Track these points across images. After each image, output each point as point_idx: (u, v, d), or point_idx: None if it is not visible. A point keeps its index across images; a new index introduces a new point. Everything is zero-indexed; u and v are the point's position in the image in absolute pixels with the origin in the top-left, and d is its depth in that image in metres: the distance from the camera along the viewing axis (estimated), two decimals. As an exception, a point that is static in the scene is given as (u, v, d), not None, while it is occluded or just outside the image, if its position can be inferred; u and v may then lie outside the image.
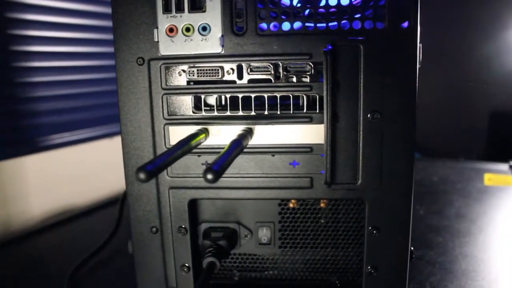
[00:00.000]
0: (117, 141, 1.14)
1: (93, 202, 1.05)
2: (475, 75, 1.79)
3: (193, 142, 0.41)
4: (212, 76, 0.44)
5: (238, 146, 0.39)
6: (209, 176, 0.29)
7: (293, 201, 0.49)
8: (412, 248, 0.49)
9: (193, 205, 0.49)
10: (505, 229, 0.79)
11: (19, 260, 0.74)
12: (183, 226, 0.48)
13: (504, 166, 1.15)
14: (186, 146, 0.39)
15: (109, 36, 1.10)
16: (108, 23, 1.09)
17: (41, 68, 0.95)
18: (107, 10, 1.09)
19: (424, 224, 0.79)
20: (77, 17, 1.03)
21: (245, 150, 0.45)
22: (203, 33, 0.44)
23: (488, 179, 1.04)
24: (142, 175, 0.30)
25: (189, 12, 0.43)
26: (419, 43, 0.43)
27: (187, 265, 0.49)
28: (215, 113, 0.45)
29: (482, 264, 0.64)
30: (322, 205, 0.49)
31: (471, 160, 1.24)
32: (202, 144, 0.45)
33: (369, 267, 0.47)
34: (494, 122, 1.77)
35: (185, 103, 0.46)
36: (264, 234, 0.50)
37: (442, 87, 1.82)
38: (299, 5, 0.43)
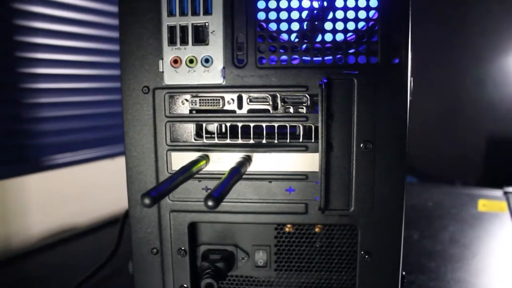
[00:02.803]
0: (118, 161, 1.16)
1: (94, 222, 1.06)
2: (470, 101, 1.81)
3: (194, 169, 0.43)
4: (214, 105, 0.47)
5: (237, 173, 0.41)
6: (210, 203, 0.31)
7: (288, 225, 0.51)
8: (403, 272, 0.50)
9: (193, 228, 0.51)
10: (498, 254, 0.80)
11: (18, 278, 0.75)
12: (182, 248, 0.50)
13: (498, 192, 1.17)
14: (187, 173, 0.41)
15: (112, 59, 1.13)
16: (112, 47, 1.12)
17: (46, 89, 0.97)
18: (111, 34, 1.12)
19: (417, 249, 0.80)
20: (83, 41, 1.06)
21: (244, 176, 0.47)
22: (205, 64, 0.46)
23: (482, 205, 1.06)
24: (147, 201, 0.32)
25: (193, 44, 0.46)
26: (410, 77, 0.46)
27: (185, 286, 0.51)
28: (216, 141, 0.48)
29: (474, 289, 0.66)
30: (316, 230, 0.51)
31: (465, 186, 1.26)
32: (202, 170, 0.47)
33: (361, 291, 0.49)
34: (489, 148, 1.79)
35: (187, 130, 0.48)
36: (260, 257, 0.52)
37: (437, 113, 1.85)
38: (296, 40, 0.45)
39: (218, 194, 0.32)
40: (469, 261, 0.76)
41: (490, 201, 1.09)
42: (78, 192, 1.05)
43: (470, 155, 1.81)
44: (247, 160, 0.46)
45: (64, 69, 1.02)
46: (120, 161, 0.49)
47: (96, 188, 1.10)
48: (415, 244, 0.83)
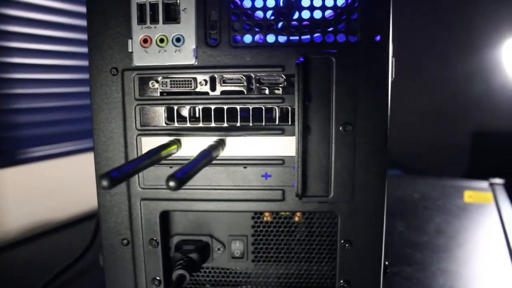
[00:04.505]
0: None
1: (72, 216, 1.03)
2: (457, 94, 1.81)
3: (164, 152, 0.41)
4: (185, 87, 0.44)
5: (206, 156, 0.38)
6: (171, 184, 0.29)
7: (266, 214, 0.49)
8: (386, 262, 0.48)
9: (165, 217, 0.48)
10: (484, 244, 0.79)
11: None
12: (154, 238, 0.47)
13: (484, 184, 1.16)
14: (155, 156, 0.39)
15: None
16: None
17: (22, 80, 0.94)
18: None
19: (403, 240, 0.79)
20: (60, 30, 1.03)
21: (217, 161, 0.44)
22: (177, 44, 0.44)
23: (468, 196, 1.05)
24: (105, 182, 0.30)
25: (163, 23, 0.44)
26: (392, 57, 0.44)
27: (158, 278, 0.48)
28: (188, 124, 0.45)
29: (460, 279, 0.64)
30: (296, 219, 0.49)
31: (452, 178, 1.25)
32: (174, 155, 0.44)
33: (341, 281, 0.47)
34: (475, 140, 1.79)
35: (158, 114, 0.46)
36: (237, 247, 0.49)
37: (425, 106, 1.84)
38: (272, 17, 0.43)
39: (182, 174, 0.30)
40: (455, 251, 0.74)
41: (476, 192, 1.08)
42: (56, 187, 1.02)
43: (457, 147, 1.80)
44: (220, 144, 0.43)
45: (40, 59, 0.99)
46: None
47: (75, 182, 1.07)
48: (400, 235, 0.81)
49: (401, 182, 1.22)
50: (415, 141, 1.83)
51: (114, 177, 0.30)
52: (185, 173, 0.31)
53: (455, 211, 0.96)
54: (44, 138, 1.00)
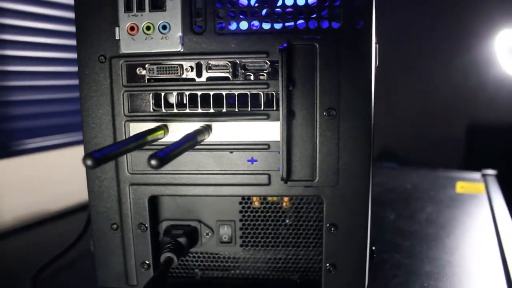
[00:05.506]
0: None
1: (67, 208, 1.04)
2: (451, 87, 1.81)
3: (150, 137, 0.41)
4: (172, 74, 0.45)
5: (190, 139, 0.39)
6: (153, 162, 0.30)
7: (254, 199, 0.50)
8: (373, 247, 0.49)
9: (154, 202, 0.49)
10: (473, 233, 0.80)
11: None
12: (143, 222, 0.48)
13: (477, 175, 1.17)
14: (141, 140, 0.39)
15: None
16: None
17: (17, 72, 0.95)
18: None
19: (393, 229, 0.79)
20: (54, 23, 1.03)
21: (204, 146, 0.45)
22: (163, 31, 0.44)
23: (460, 187, 1.06)
24: (88, 162, 0.31)
25: (149, 11, 0.44)
26: (376, 43, 0.44)
27: (147, 262, 0.49)
28: (175, 110, 0.46)
29: (447, 266, 0.65)
30: (283, 204, 0.50)
31: (445, 169, 1.26)
32: (161, 140, 0.45)
33: (327, 265, 0.48)
34: (469, 132, 1.80)
35: (146, 100, 0.46)
36: (225, 232, 0.50)
37: (419, 98, 1.85)
38: (256, 5, 0.44)
39: (163, 154, 0.31)
40: (444, 239, 0.75)
41: (468, 183, 1.09)
42: (51, 178, 1.03)
43: (451, 140, 1.81)
44: (206, 129, 0.44)
45: (35, 52, 0.99)
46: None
47: (70, 174, 1.08)
48: (391, 224, 0.82)
49: (394, 174, 1.22)
50: (411, 134, 1.84)
51: (96, 157, 0.31)
52: (167, 153, 0.32)
53: (447, 202, 0.96)
54: (39, 130, 1.01)
